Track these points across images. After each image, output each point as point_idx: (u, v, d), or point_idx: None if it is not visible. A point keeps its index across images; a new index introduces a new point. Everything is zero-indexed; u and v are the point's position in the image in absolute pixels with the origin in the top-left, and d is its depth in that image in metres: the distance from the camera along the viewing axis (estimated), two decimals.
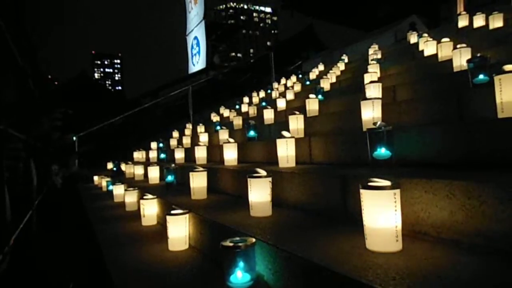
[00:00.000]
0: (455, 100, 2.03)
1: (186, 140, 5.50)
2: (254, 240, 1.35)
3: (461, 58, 2.75)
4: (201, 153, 3.78)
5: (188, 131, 6.52)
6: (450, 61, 2.92)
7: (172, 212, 2.03)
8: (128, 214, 3.25)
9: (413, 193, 1.28)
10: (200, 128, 5.80)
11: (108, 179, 5.06)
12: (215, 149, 4.03)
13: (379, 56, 5.51)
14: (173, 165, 3.56)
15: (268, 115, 4.23)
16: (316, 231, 1.48)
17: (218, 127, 4.99)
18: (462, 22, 5.35)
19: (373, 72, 3.85)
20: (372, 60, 5.00)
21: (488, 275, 0.92)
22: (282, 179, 2.09)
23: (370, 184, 1.12)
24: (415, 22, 9.23)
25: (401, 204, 1.14)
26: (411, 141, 1.79)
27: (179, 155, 4.47)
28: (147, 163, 4.94)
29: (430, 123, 2.07)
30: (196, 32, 21.55)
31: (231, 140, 3.20)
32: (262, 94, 7.49)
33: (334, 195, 1.69)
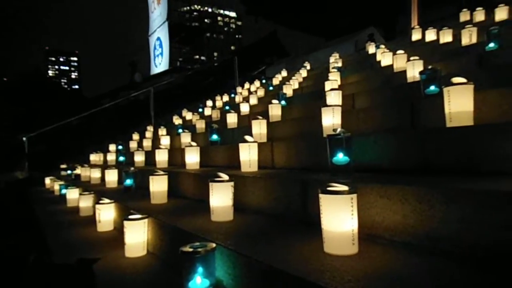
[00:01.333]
0: (408, 109, 2.14)
1: (147, 143, 5.36)
2: (214, 245, 1.34)
3: (414, 70, 2.91)
4: (162, 156, 3.69)
5: (149, 134, 6.35)
6: (404, 72, 3.08)
7: (130, 217, 1.96)
8: (83, 219, 3.10)
9: (369, 198, 1.33)
10: (162, 131, 5.67)
11: (61, 182, 4.80)
12: (176, 152, 3.96)
13: (339, 64, 5.70)
14: (132, 168, 3.45)
15: (232, 119, 4.23)
16: (277, 235, 1.50)
17: (180, 130, 4.91)
18: (416, 35, 5.68)
19: (333, 80, 3.98)
20: (333, 68, 5.16)
21: (436, 275, 0.98)
22: (244, 183, 2.09)
23: (328, 189, 1.15)
24: (374, 34, 9.66)
25: (358, 208, 1.18)
26: (368, 148, 1.86)
27: (139, 158, 4.35)
28: (104, 166, 4.75)
29: (386, 131, 2.17)
30: (159, 33, 21.13)
31: (194, 143, 3.16)
32: (225, 98, 7.47)
33: (295, 200, 1.72)
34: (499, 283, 0.91)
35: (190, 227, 1.71)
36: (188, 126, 5.46)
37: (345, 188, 1.15)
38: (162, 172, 2.58)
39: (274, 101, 3.69)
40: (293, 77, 6.24)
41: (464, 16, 5.62)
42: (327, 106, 2.39)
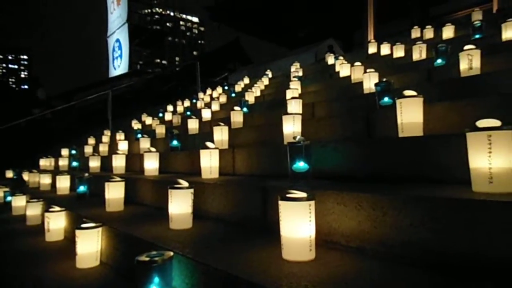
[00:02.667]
0: (365, 119, 2.23)
1: (103, 148, 5.15)
2: (171, 253, 1.31)
3: (370, 81, 3.05)
4: (119, 162, 3.56)
5: (106, 138, 6.11)
6: (361, 83, 3.22)
7: (82, 225, 1.87)
8: (30, 228, 2.90)
9: (327, 205, 1.37)
10: (120, 136, 5.48)
11: (6, 189, 4.47)
12: (135, 158, 3.84)
13: (300, 73, 5.83)
14: (86, 174, 3.30)
15: (193, 125, 4.18)
16: (236, 242, 1.49)
17: (139, 135, 4.76)
18: (372, 49, 5.96)
19: (294, 88, 4.06)
20: (294, 77, 5.27)
21: (388, 279, 1.02)
22: (204, 190, 2.07)
23: (287, 195, 1.17)
24: (333, 45, 10.02)
25: (316, 215, 1.21)
26: (327, 156, 1.91)
27: (95, 163, 4.16)
28: (55, 172, 4.49)
29: (344, 139, 2.25)
30: (118, 35, 20.51)
31: (153, 149, 3.08)
32: (187, 103, 7.38)
33: (255, 207, 1.73)
34: (447, 285, 0.97)
35: (147, 236, 1.66)
36: (147, 131, 5.32)
37: (303, 195, 1.17)
38: (118, 179, 2.48)
39: (236, 107, 3.70)
40: (255, 85, 6.30)
41: (415, 33, 5.98)
42: (288, 114, 2.43)
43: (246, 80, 8.14)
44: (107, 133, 6.60)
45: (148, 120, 6.69)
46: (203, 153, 2.37)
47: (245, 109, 4.13)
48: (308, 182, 1.71)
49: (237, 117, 3.57)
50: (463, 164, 1.23)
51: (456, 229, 1.03)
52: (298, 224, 1.16)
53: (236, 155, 2.56)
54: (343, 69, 4.57)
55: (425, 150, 1.53)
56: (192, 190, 1.78)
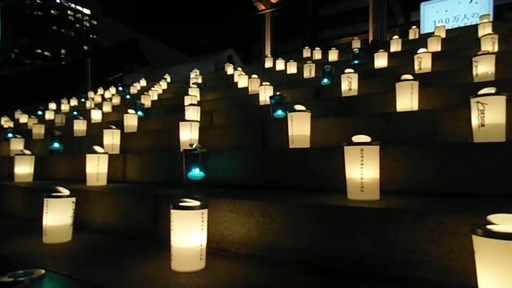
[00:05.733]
0: (260, 130, 2.34)
1: None
2: (43, 271, 1.15)
3: (265, 94, 3.21)
4: None
5: None
6: (258, 95, 3.37)
7: None
8: None
9: (219, 213, 1.38)
10: None
11: None
12: (3, 161, 3.30)
13: (199, 81, 5.83)
14: None
15: (80, 126, 3.80)
16: (122, 255, 1.39)
17: (10, 135, 4.11)
18: (268, 63, 6.32)
19: (193, 95, 4.03)
20: (193, 83, 5.23)
21: (276, 284, 1.08)
22: (89, 199, 1.88)
23: (180, 204, 1.15)
24: (233, 56, 10.30)
25: (208, 223, 1.21)
26: (223, 164, 1.94)
27: None
28: None
29: (240, 149, 2.31)
30: None
31: (27, 151, 2.69)
32: (74, 102, 6.69)
33: (146, 216, 1.65)
34: (329, 286, 1.07)
35: (14, 252, 1.43)
36: (21, 130, 4.63)
37: (196, 203, 1.16)
38: None
39: (130, 110, 3.49)
40: (152, 88, 6.06)
41: (306, 52, 6.55)
42: (185, 120, 2.40)
43: (143, 83, 7.77)
44: None
45: (23, 118, 5.84)
46: (90, 158, 2.17)
47: (140, 113, 3.94)
48: (203, 190, 1.71)
49: (131, 120, 3.37)
50: (342, 174, 1.38)
51: (335, 233, 1.15)
52: (189, 233, 1.14)
53: (128, 161, 2.41)
54: (241, 80, 4.72)
55: (311, 160, 1.67)
56: (73, 199, 1.60)
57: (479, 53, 2.43)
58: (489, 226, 0.75)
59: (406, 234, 1.04)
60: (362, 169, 1.30)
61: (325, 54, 5.81)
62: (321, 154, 1.66)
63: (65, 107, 6.40)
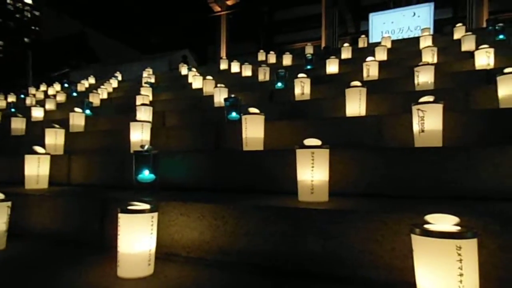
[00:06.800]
0: (214, 132, 2.32)
1: None
2: None
3: (220, 96, 3.20)
4: None
5: None
6: (212, 97, 3.34)
7: None
8: None
9: (170, 216, 1.35)
10: None
11: None
12: None
13: (152, 80, 5.66)
14: None
15: (18, 124, 3.52)
16: (64, 263, 1.31)
17: None
18: (223, 65, 6.30)
19: (145, 95, 3.91)
20: (145, 83, 5.07)
21: (226, 286, 1.07)
22: (28, 203, 1.75)
23: (129, 208, 1.10)
24: (187, 56, 10.13)
25: (158, 227, 1.18)
26: (176, 166, 1.90)
27: None
28: None
29: (193, 151, 2.27)
30: None
31: None
32: (12, 98, 6.20)
33: (91, 221, 1.56)
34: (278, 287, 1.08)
35: None
36: None
37: (146, 206, 1.12)
38: None
39: (77, 109, 3.30)
40: (102, 86, 5.78)
41: (261, 56, 6.63)
42: (136, 121, 2.32)
43: (92, 80, 7.40)
44: None
45: None
46: (29, 159, 2.02)
47: (88, 112, 3.74)
48: (154, 193, 1.66)
49: (77, 119, 3.19)
50: (294, 176, 1.41)
51: (286, 235, 1.17)
52: (138, 238, 1.10)
53: (73, 163, 2.28)
54: (196, 81, 4.66)
55: (265, 163, 1.69)
56: (9, 203, 1.47)
57: (420, 63, 2.62)
58: (426, 226, 0.80)
59: (353, 234, 1.08)
60: (313, 171, 1.33)
61: (279, 58, 5.92)
62: (274, 156, 1.68)
63: (1, 103, 5.91)
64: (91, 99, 4.46)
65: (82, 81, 7.18)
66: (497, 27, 4.40)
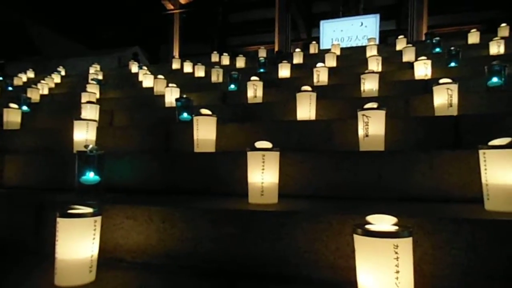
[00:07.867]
0: (164, 132, 2.26)
1: None
2: None
3: (172, 96, 3.13)
4: None
5: None
6: (163, 97, 3.26)
7: None
8: None
9: (115, 220, 1.29)
10: None
11: None
12: None
13: (100, 77, 5.39)
14: None
15: None
16: None
17: None
18: (176, 65, 6.17)
19: (92, 92, 3.71)
20: (92, 79, 4.82)
21: None
22: None
23: (69, 211, 1.04)
24: (138, 53, 9.80)
25: (102, 231, 1.12)
26: (123, 167, 1.82)
27: None
28: None
29: (141, 152, 2.20)
30: None
31: None
32: None
33: (26, 226, 1.45)
34: None
35: None
36: None
37: (89, 210, 1.06)
38: None
39: (12, 104, 3.05)
40: (42, 81, 5.39)
41: (214, 57, 6.59)
42: (81, 119, 2.19)
43: (31, 74, 6.87)
44: None
45: None
46: None
47: (25, 108, 3.47)
48: (98, 196, 1.58)
49: (13, 116, 2.94)
50: (245, 178, 1.41)
51: (235, 237, 1.17)
52: (78, 244, 1.03)
53: (7, 163, 2.10)
54: (146, 79, 4.51)
55: (216, 165, 1.68)
56: None
57: (366, 71, 2.76)
58: (367, 226, 0.85)
59: (300, 235, 1.11)
60: (263, 174, 1.35)
61: (233, 60, 5.92)
62: (225, 158, 1.68)
63: None
64: (29, 95, 4.14)
65: (20, 75, 6.64)
66: (434, 41, 4.76)
